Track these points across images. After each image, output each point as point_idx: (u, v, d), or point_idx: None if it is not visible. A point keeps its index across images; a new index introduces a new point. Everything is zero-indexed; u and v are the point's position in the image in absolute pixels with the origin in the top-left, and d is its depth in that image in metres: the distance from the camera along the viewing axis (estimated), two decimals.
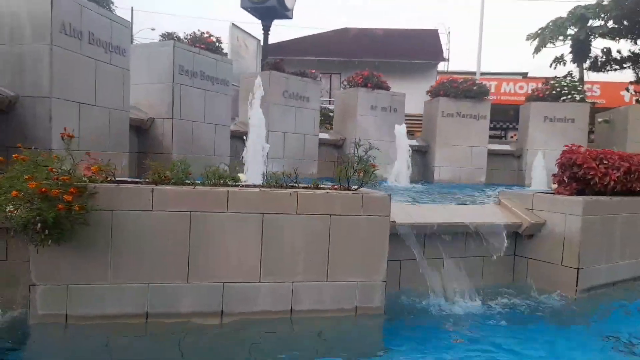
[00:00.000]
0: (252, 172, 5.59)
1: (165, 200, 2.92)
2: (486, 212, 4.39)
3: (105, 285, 2.87)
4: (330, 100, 19.85)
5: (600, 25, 14.26)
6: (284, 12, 12.27)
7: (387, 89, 10.14)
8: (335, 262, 3.23)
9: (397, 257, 4.02)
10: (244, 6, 12.00)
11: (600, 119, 12.51)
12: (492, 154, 11.34)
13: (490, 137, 20.08)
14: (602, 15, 14.17)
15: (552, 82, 11.34)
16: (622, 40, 14.92)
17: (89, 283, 2.85)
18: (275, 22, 12.72)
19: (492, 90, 22.39)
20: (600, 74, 16.91)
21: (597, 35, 14.67)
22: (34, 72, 4.25)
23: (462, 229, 4.05)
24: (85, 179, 2.74)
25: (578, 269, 4.09)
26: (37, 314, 2.79)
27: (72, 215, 2.61)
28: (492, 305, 3.95)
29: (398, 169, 8.28)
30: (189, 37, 7.15)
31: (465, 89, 10.56)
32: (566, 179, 4.71)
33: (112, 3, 5.24)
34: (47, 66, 4.22)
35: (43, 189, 2.50)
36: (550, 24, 15.10)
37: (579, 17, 14.02)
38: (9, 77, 4.31)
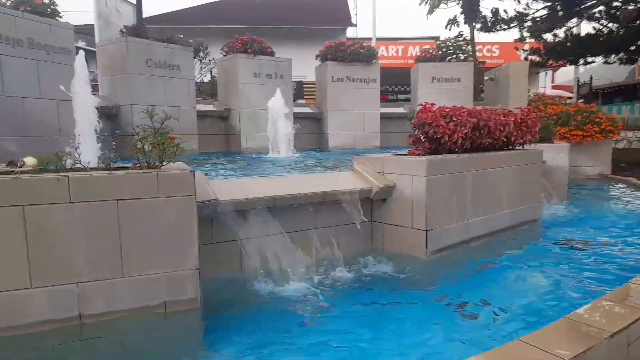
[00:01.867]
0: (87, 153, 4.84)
1: None
2: (332, 180, 4.09)
3: None
4: None
5: None
6: None
7: (271, 54, 9.56)
8: (131, 255, 2.72)
9: (230, 237, 3.61)
10: None
11: (487, 77, 12.91)
12: (386, 117, 11.29)
13: (402, 100, 20.34)
14: None
15: (438, 42, 11.42)
16: (507, 0, 15.40)
17: None
18: None
19: (399, 54, 22.65)
20: (491, 34, 17.48)
21: None
22: None
23: (300, 200, 3.71)
24: None
25: (426, 230, 3.93)
26: None
27: None
28: (341, 277, 3.70)
29: (274, 138, 7.82)
30: None
31: (353, 52, 10.28)
32: (422, 139, 4.55)
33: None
34: None
35: None
36: None
37: None
38: None
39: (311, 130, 10.68)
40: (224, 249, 3.55)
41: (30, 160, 3.18)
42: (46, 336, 2.55)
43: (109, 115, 7.59)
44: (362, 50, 10.27)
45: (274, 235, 3.70)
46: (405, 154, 4.36)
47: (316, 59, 10.73)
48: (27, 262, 2.51)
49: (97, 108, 7.10)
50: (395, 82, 23.95)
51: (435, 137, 4.36)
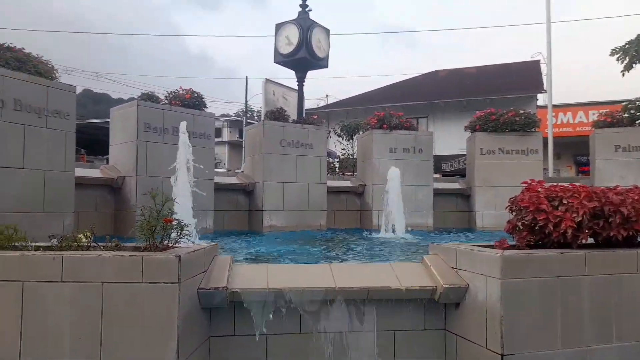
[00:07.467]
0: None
1: None
2: (386, 272, 3.37)
3: None
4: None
5: None
6: (317, 62, 12.09)
7: (410, 128, 9.18)
8: (111, 341, 2.61)
9: (252, 332, 3.22)
10: (276, 61, 12.10)
11: None
12: None
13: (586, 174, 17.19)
14: None
15: (625, 103, 9.32)
16: None
17: None
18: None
19: (584, 120, 19.60)
20: None
21: None
22: None
23: (334, 295, 3.13)
24: None
25: (502, 354, 2.86)
26: None
27: None
28: None
29: (387, 216, 7.19)
30: (171, 95, 7.26)
31: (506, 121, 9.15)
32: (521, 227, 3.53)
33: (56, 71, 5.49)
34: None
35: None
36: None
37: None
38: None
39: (457, 208, 9.65)
40: (246, 345, 3.19)
41: (84, 238, 3.44)
42: None
43: (246, 191, 8.21)
44: (516, 119, 9.06)
45: (308, 334, 3.19)
46: (486, 245, 3.39)
47: (465, 130, 9.90)
48: (20, 336, 2.61)
49: (234, 184, 7.76)
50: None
51: (536, 225, 3.31)
